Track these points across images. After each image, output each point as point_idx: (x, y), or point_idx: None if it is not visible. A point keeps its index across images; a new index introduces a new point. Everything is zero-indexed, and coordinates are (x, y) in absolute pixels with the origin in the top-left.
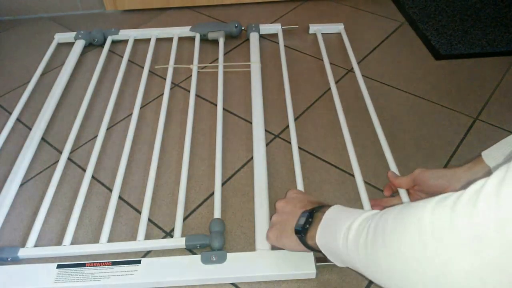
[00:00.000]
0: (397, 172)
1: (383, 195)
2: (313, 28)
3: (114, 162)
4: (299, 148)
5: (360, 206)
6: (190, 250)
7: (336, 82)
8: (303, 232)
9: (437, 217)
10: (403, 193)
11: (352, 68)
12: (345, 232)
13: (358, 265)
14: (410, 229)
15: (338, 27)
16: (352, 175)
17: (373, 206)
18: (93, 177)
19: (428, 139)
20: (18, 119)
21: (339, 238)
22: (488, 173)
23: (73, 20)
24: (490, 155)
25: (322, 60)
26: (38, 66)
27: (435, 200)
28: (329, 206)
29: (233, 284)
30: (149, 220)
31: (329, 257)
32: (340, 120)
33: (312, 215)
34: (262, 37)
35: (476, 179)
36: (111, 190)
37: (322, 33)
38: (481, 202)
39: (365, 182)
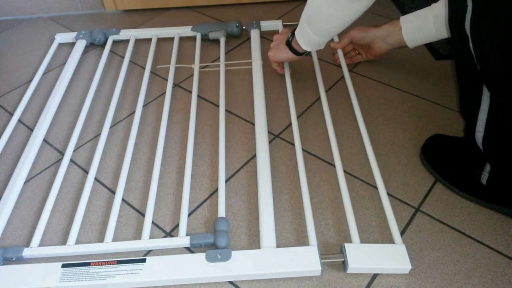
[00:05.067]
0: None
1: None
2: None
3: (116, 162)
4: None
5: (359, 206)
6: (189, 249)
7: (327, 90)
8: (290, 42)
9: None
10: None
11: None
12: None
13: (305, 16)
14: None
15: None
16: (352, 175)
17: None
18: (95, 177)
19: None
20: (19, 120)
21: (305, 27)
22: (400, 32)
23: (73, 20)
24: (406, 20)
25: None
26: (39, 66)
27: None
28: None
29: (231, 283)
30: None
31: (304, 46)
32: (337, 121)
33: (293, 34)
34: (262, 37)
35: (391, 37)
36: (113, 190)
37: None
38: None
39: (363, 181)
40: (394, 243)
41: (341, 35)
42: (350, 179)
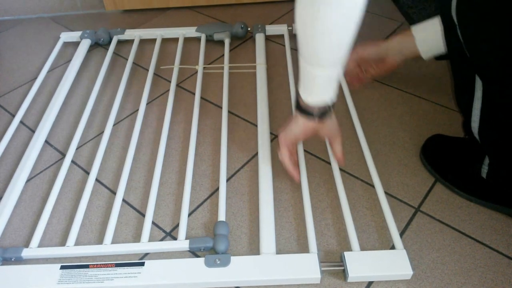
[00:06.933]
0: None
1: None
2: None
3: (116, 162)
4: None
5: (359, 206)
6: (193, 252)
7: None
8: (298, 104)
9: None
10: None
11: None
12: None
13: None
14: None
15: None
16: (353, 176)
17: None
18: (96, 178)
19: None
20: (21, 121)
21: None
22: (413, 42)
23: (73, 20)
24: (418, 29)
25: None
26: (43, 66)
27: None
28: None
29: None
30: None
31: (316, 96)
32: (337, 121)
33: (297, 93)
34: (268, 39)
35: (405, 47)
36: (114, 190)
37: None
38: None
39: (363, 181)
40: (394, 245)
41: None
42: (351, 179)
